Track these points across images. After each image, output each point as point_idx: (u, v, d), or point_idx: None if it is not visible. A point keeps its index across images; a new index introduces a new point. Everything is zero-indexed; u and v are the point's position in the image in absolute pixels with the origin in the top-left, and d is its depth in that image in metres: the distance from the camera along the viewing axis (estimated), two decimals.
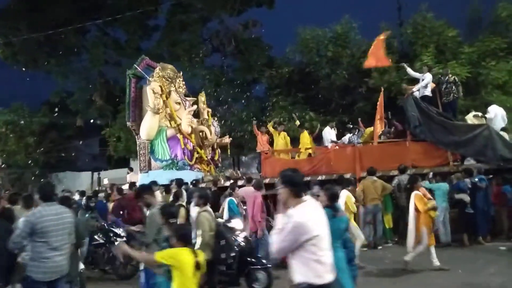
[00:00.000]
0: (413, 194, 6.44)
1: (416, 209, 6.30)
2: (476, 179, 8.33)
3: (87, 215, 6.18)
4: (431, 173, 9.16)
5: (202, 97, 13.77)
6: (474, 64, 14.45)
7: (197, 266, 3.17)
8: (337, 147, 11.05)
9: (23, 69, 20.70)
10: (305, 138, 11.73)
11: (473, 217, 8.19)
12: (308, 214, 2.64)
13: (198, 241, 4.71)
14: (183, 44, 19.01)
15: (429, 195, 6.62)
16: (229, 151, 14.48)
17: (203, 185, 10.41)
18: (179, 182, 9.48)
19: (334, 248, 3.71)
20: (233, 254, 4.93)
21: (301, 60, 17.87)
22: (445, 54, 15.00)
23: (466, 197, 8.27)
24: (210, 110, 13.93)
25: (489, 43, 14.27)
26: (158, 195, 8.59)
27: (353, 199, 7.11)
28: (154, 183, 9.46)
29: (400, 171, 8.81)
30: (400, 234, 8.56)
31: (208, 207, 5.01)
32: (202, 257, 3.29)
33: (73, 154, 25.21)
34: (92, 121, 22.48)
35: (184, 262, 3.12)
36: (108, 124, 20.76)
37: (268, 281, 5.49)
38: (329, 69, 16.70)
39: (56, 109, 21.96)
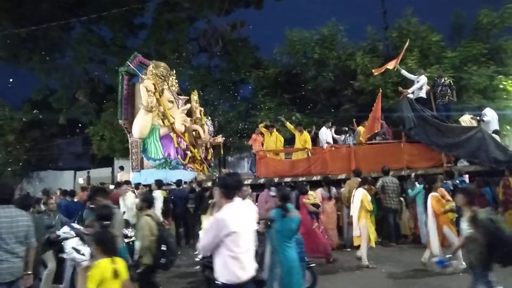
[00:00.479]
0: (430, 195, 6.29)
1: (435, 211, 6.16)
2: (457, 181, 8.51)
3: (45, 217, 5.97)
4: (413, 174, 9.35)
5: (194, 96, 13.67)
6: (457, 68, 14.76)
7: (115, 274, 3.10)
8: (332, 148, 11.01)
9: (5, 65, 20.23)
10: (306, 138, 11.49)
11: (456, 218, 8.34)
12: (230, 212, 2.87)
13: (137, 245, 4.62)
14: (170, 43, 18.89)
15: (448, 196, 6.48)
16: (222, 150, 14.40)
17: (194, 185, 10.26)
18: (159, 183, 9.42)
19: (286, 246, 4.20)
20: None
21: (288, 62, 17.95)
22: (429, 58, 15.29)
23: None
24: (202, 109, 13.84)
25: (471, 48, 14.59)
26: (131, 195, 8.46)
27: (369, 198, 7.11)
28: (127, 182, 9.40)
29: (383, 173, 8.94)
30: (383, 235, 8.70)
31: (151, 211, 4.88)
32: (121, 264, 3.20)
33: (55, 152, 24.75)
34: (75, 119, 22.09)
35: (103, 276, 3.06)
36: (92, 122, 20.44)
37: (313, 279, 5.30)
38: (315, 71, 16.84)
39: (38, 107, 21.52)
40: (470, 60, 14.10)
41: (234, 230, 2.78)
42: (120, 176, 13.55)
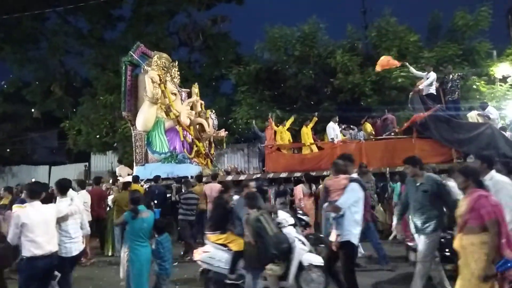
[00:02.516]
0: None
1: None
2: None
3: None
4: (387, 170, 9.55)
5: (195, 89, 13.33)
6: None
7: None
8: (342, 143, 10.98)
9: None
10: (306, 133, 11.64)
11: None
12: (24, 211, 4.10)
13: None
14: (149, 37, 18.53)
15: None
16: (224, 144, 14.17)
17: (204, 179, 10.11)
18: (156, 178, 9.51)
19: (138, 245, 4.69)
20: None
21: (269, 58, 17.96)
22: (406, 58, 15.56)
23: None
24: (203, 102, 13.54)
25: (447, 49, 14.98)
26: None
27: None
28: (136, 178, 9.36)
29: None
30: (363, 232, 8.83)
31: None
32: None
33: (29, 146, 24.02)
34: (50, 113, 21.44)
35: None
36: (68, 116, 19.90)
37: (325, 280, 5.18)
38: (296, 68, 16.90)
39: (11, 100, 20.79)
40: (446, 60, 14.46)
41: (25, 222, 3.96)
42: (119, 170, 13.23)
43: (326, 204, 4.52)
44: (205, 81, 19.37)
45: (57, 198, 4.79)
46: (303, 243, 5.12)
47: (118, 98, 17.37)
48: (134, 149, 11.96)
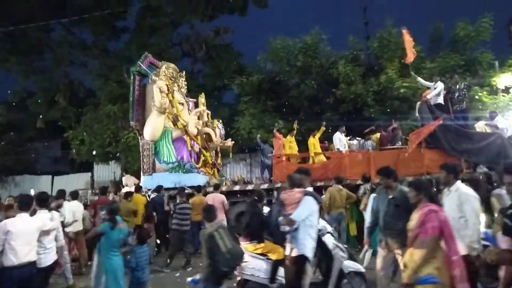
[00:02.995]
0: None
1: None
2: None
3: None
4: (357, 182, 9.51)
5: (202, 99, 13.37)
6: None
7: None
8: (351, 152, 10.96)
9: None
10: (314, 143, 11.65)
11: None
12: (12, 220, 4.33)
13: None
14: (153, 48, 18.69)
15: None
16: (230, 154, 14.13)
17: (210, 188, 10.12)
18: (158, 188, 9.57)
19: (112, 255, 4.88)
20: None
21: (271, 69, 18.06)
22: (408, 68, 15.64)
23: None
24: (209, 112, 13.56)
25: (449, 59, 15.03)
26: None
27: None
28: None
29: (364, 180, 9.01)
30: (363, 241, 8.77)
31: None
32: None
33: (32, 156, 24.08)
34: (54, 122, 21.57)
35: None
36: (72, 126, 20.01)
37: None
38: (298, 79, 16.99)
39: (15, 110, 20.95)
40: (448, 71, 14.50)
41: (9, 230, 4.18)
42: (126, 180, 13.18)
43: (280, 218, 4.49)
44: (208, 92, 19.43)
45: (37, 210, 5.01)
46: (342, 250, 5.08)
47: (121, 108, 17.54)
48: (141, 158, 11.93)
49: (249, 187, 10.65)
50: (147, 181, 11.11)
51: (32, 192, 18.54)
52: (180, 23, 20.44)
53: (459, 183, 4.14)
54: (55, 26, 19.94)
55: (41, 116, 20.87)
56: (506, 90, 14.68)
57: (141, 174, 11.88)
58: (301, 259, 4.35)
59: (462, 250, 3.59)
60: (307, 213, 4.36)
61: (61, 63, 19.54)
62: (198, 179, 11.21)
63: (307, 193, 4.54)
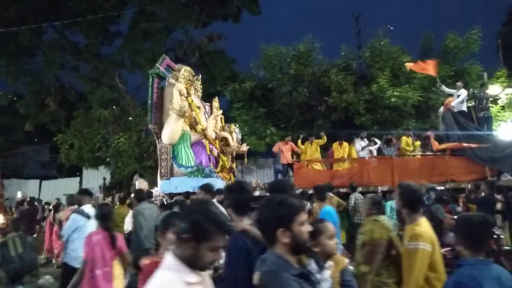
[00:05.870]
0: None
1: None
2: (424, 198, 8.74)
3: None
4: (379, 188, 9.55)
5: (215, 103, 13.18)
6: (425, 89, 15.36)
7: None
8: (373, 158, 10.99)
9: None
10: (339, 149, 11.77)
11: None
12: None
13: None
14: (146, 53, 18.68)
15: None
16: (246, 159, 13.98)
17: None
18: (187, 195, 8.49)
19: None
20: None
21: (264, 76, 18.12)
22: (399, 78, 15.84)
23: None
24: (222, 116, 13.40)
25: (439, 70, 15.21)
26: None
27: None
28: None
29: (352, 189, 9.01)
30: (352, 250, 8.76)
31: None
32: None
33: (20, 160, 23.75)
34: (43, 126, 21.30)
35: None
36: (61, 130, 19.78)
37: None
38: (291, 86, 17.05)
39: (3, 112, 20.66)
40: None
41: None
42: (139, 184, 12.90)
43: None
44: (200, 98, 19.44)
45: None
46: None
47: (112, 112, 17.41)
48: (159, 162, 11.63)
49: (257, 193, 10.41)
50: (165, 186, 10.85)
51: (19, 195, 18.32)
52: (174, 29, 20.44)
53: None
54: (47, 29, 19.78)
55: (30, 119, 20.60)
56: (494, 101, 14.92)
57: (158, 178, 11.59)
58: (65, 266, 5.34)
59: None
60: (73, 228, 5.19)
61: (52, 66, 19.34)
62: (217, 183, 10.84)
63: (75, 211, 5.36)
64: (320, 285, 2.19)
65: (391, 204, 8.80)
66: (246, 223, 2.56)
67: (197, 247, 1.58)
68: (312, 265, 2.31)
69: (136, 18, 19.41)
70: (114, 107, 18.16)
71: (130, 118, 18.11)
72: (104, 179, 19.49)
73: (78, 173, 21.60)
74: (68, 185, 20.79)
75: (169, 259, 1.64)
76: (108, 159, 18.13)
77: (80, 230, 5.07)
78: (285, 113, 17.34)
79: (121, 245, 4.19)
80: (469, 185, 8.88)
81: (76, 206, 5.70)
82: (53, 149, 22.79)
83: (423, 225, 3.08)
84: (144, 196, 6.83)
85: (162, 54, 19.67)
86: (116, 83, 18.78)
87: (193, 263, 1.61)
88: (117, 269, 4.10)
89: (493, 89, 14.87)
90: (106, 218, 4.26)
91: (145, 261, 2.78)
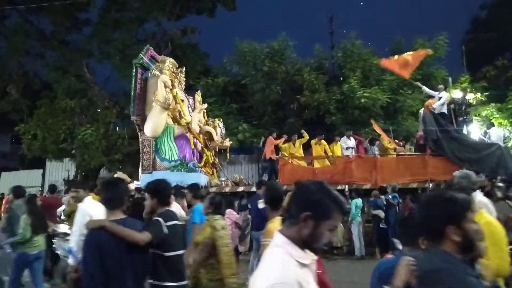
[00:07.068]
0: None
1: None
2: (390, 196, 9.03)
3: None
4: (346, 187, 9.76)
5: (198, 96, 12.93)
6: (394, 91, 15.83)
7: None
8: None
9: None
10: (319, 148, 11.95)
11: (386, 231, 8.83)
12: None
13: None
14: (116, 43, 18.12)
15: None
16: (228, 154, 13.77)
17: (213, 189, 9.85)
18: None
19: None
20: None
21: (237, 72, 18.05)
22: (369, 79, 16.24)
23: (381, 213, 8.94)
24: (205, 111, 13.13)
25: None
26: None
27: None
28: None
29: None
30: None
31: None
32: None
33: None
34: (4, 115, 20.23)
35: None
36: (24, 120, 18.87)
37: None
38: (264, 83, 17.10)
39: None
40: (406, 84, 15.18)
41: None
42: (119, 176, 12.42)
43: None
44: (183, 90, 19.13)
45: None
46: None
47: (78, 103, 16.80)
48: (141, 155, 11.30)
49: (253, 188, 10.00)
50: (147, 179, 10.45)
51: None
52: (146, 20, 19.92)
53: None
54: (10, 13, 18.79)
55: None
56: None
57: (140, 171, 11.30)
58: None
59: None
60: None
61: (15, 52, 18.36)
62: (201, 178, 10.66)
63: None
64: None
65: (356, 203, 9.09)
66: (112, 218, 2.72)
67: (317, 225, 1.52)
68: None
69: (107, 6, 18.77)
70: (81, 97, 17.50)
71: (98, 110, 17.53)
72: (68, 171, 18.81)
73: (41, 165, 20.71)
74: (30, 177, 19.89)
75: (280, 238, 1.57)
76: (73, 151, 17.50)
77: None
78: (257, 110, 17.37)
79: None
80: (431, 185, 9.24)
81: None
82: (14, 139, 21.74)
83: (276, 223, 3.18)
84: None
85: (133, 44, 19.30)
86: (84, 73, 18.12)
87: (308, 244, 1.54)
88: None
89: (456, 93, 15.56)
90: None
91: None
